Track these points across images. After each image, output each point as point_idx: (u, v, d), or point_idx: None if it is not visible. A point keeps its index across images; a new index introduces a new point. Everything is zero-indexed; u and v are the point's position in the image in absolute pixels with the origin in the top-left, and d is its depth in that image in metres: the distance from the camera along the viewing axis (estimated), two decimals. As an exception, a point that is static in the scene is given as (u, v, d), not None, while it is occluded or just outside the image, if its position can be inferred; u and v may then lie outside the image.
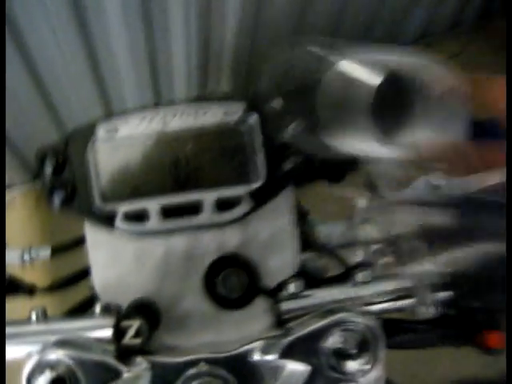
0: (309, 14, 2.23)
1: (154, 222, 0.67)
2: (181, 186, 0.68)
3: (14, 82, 1.89)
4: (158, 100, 2.29)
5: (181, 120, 0.67)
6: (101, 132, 0.67)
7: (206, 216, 0.68)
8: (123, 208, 0.67)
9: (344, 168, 2.45)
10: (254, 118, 0.67)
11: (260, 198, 0.68)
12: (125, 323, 0.64)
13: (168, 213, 0.67)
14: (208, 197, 0.67)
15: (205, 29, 1.98)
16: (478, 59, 2.87)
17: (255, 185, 0.68)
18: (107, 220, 0.67)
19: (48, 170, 0.67)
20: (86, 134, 0.67)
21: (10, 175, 2.45)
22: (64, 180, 0.67)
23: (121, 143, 0.67)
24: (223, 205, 0.68)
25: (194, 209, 0.67)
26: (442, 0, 2.70)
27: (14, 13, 1.62)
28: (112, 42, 1.83)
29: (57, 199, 0.67)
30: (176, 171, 0.67)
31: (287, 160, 0.68)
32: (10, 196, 2.55)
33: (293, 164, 0.68)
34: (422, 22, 2.82)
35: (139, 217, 0.67)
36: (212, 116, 0.67)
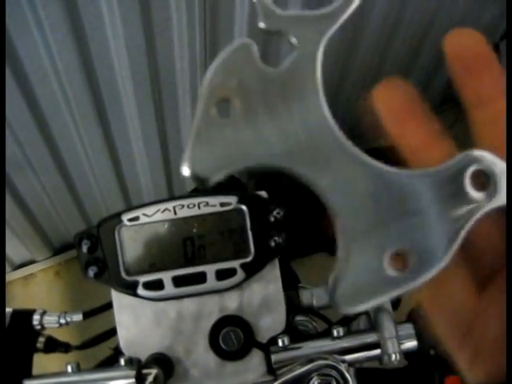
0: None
1: (167, 289, 0.84)
2: (189, 260, 0.85)
3: (46, 177, 2.08)
4: (170, 183, 2.45)
5: (187, 210, 0.84)
6: (125, 219, 0.84)
7: (209, 284, 0.85)
8: (143, 279, 0.84)
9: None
10: (244, 207, 0.85)
11: (251, 269, 0.85)
12: (145, 371, 0.80)
13: (179, 282, 0.84)
14: (210, 269, 0.84)
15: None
16: (470, 132, 2.98)
17: (247, 259, 0.85)
18: (130, 288, 0.84)
19: (84, 249, 0.84)
20: (114, 220, 0.85)
21: (32, 252, 2.58)
22: (96, 257, 0.84)
23: (141, 228, 0.85)
24: (223, 275, 0.84)
25: (199, 278, 0.84)
26: (432, 75, 2.81)
27: (44, 118, 1.82)
28: (131, 139, 2.03)
29: (91, 272, 0.84)
30: (185, 249, 0.85)
31: (271, 239, 0.85)
32: (31, 271, 2.68)
33: (278, 241, 0.84)
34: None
35: (156, 286, 0.84)
36: (211, 206, 0.85)
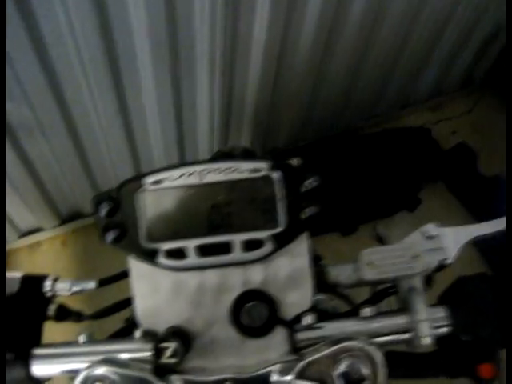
0: (326, 71, 2.32)
1: (190, 259, 0.79)
2: (214, 229, 0.80)
3: (57, 142, 2.04)
4: (182, 153, 2.39)
5: (214, 175, 0.79)
6: (148, 183, 0.79)
7: (235, 255, 0.79)
8: (165, 246, 0.79)
9: (355, 221, 2.54)
10: (277, 174, 0.79)
11: (281, 241, 0.80)
12: (163, 345, 0.75)
13: (203, 251, 0.79)
14: (237, 239, 0.79)
15: (228, 87, 2.09)
16: (489, 117, 2.98)
17: (277, 230, 0.80)
18: (150, 256, 0.79)
19: (103, 212, 0.79)
20: (135, 183, 0.79)
21: (39, 219, 2.54)
22: (116, 222, 0.79)
23: (164, 193, 0.79)
24: (249, 246, 0.79)
25: (224, 248, 0.79)
26: (451, 61, 2.76)
27: (58, 81, 1.77)
28: (142, 91, 1.95)
29: (109, 237, 0.79)
30: (210, 217, 0.79)
31: (305, 209, 0.79)
32: (37, 240, 2.65)
33: (309, 213, 0.79)
34: (432, 83, 2.89)
35: (178, 254, 0.79)
36: (240, 173, 0.79)
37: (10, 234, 2.51)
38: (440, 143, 2.79)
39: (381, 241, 2.37)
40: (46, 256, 2.61)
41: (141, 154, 2.33)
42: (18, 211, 2.39)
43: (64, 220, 2.63)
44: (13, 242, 2.59)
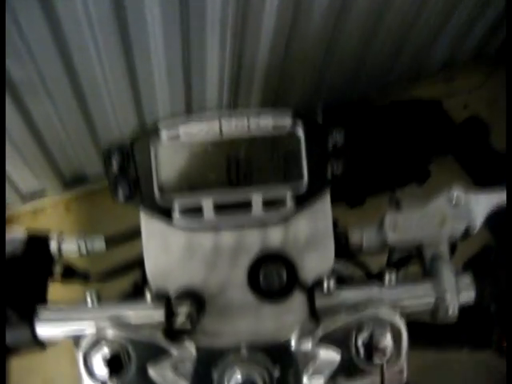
0: (339, 37, 2.26)
1: (207, 216, 0.74)
2: (233, 186, 0.75)
3: (62, 103, 1.98)
4: (189, 109, 2.32)
5: (235, 130, 0.74)
6: (164, 136, 0.74)
7: (254, 214, 0.75)
8: (180, 203, 0.74)
9: (363, 193, 2.48)
10: (301, 129, 0.75)
11: (302, 202, 0.75)
12: (176, 307, 0.71)
13: (220, 209, 0.74)
14: (257, 197, 0.74)
15: (238, 50, 2.03)
16: (502, 91, 2.88)
17: (299, 189, 0.75)
18: (164, 213, 0.75)
19: (114, 166, 0.74)
20: (151, 137, 0.75)
21: (43, 184, 2.50)
22: (128, 176, 0.75)
23: (181, 148, 0.74)
24: (269, 205, 0.75)
25: (244, 207, 0.75)
26: (466, 31, 2.70)
27: (65, 38, 1.71)
28: (151, 51, 1.89)
29: (121, 192, 0.74)
30: (229, 172, 0.75)
31: (328, 169, 0.75)
32: (41, 205, 2.62)
33: (334, 171, 0.74)
34: (446, 53, 2.83)
35: (194, 211, 0.74)
36: (263, 128, 0.74)
37: (12, 198, 2.47)
38: (451, 116, 2.74)
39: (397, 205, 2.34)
40: (49, 221, 2.57)
41: (147, 118, 2.26)
42: (21, 175, 2.35)
43: (68, 185, 2.59)
44: (16, 207, 2.55)
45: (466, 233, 0.82)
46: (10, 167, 2.20)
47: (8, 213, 2.51)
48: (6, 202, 2.44)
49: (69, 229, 2.54)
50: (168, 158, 0.74)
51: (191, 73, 2.07)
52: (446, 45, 2.77)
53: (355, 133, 2.47)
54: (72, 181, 2.58)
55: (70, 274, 0.88)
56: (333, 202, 0.77)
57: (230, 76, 2.16)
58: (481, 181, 2.66)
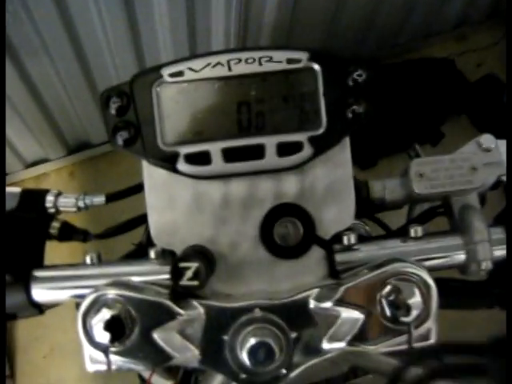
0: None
1: (215, 164, 0.67)
2: (244, 130, 0.67)
3: (57, 50, 1.89)
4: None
5: (245, 66, 0.66)
6: (166, 74, 0.67)
7: (268, 161, 0.67)
8: (185, 150, 0.67)
9: (375, 155, 2.43)
10: (317, 66, 0.67)
11: (320, 146, 0.67)
12: (183, 264, 0.64)
13: (230, 156, 0.67)
14: (270, 141, 0.67)
15: (245, 7, 1.96)
16: None
17: (316, 132, 0.67)
18: (168, 162, 0.67)
19: (112, 110, 0.67)
20: (151, 75, 0.67)
21: (46, 150, 2.46)
22: (127, 121, 0.67)
23: (185, 87, 0.67)
24: (284, 150, 0.67)
25: (255, 153, 0.67)
26: None
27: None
28: (153, 5, 1.82)
29: (120, 139, 0.67)
30: (239, 115, 0.67)
31: (349, 108, 0.67)
32: (44, 171, 2.56)
33: (355, 111, 0.67)
34: (459, 11, 2.76)
35: (201, 159, 0.67)
36: (276, 63, 0.66)
37: (14, 164, 2.44)
38: (465, 75, 2.66)
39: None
40: (53, 187, 2.50)
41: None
42: (23, 140, 2.31)
43: (71, 150, 2.55)
44: (18, 173, 2.51)
45: (498, 182, 0.76)
46: (11, 133, 2.16)
47: (11, 180, 2.46)
48: (9, 169, 2.39)
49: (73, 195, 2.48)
50: (171, 100, 0.67)
51: (196, 29, 2.00)
52: (457, 4, 2.70)
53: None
54: (75, 146, 2.54)
55: (69, 232, 0.82)
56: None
57: (236, 35, 2.09)
58: (497, 136, 2.59)
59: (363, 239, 0.73)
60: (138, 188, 0.75)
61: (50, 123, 2.25)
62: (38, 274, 0.74)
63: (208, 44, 2.08)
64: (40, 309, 0.75)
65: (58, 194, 0.81)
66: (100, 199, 0.81)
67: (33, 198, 0.80)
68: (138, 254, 0.84)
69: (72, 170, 2.55)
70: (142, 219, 0.74)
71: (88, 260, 0.74)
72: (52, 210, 0.80)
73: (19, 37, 1.72)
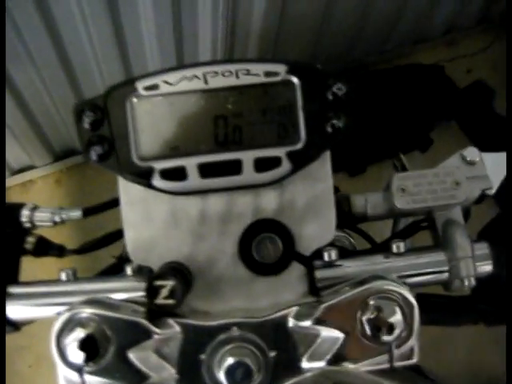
0: (338, 0, 2.20)
1: (191, 180, 0.65)
2: (221, 145, 0.65)
3: (41, 57, 1.87)
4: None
5: (222, 79, 0.64)
6: (140, 88, 0.65)
7: (245, 176, 0.65)
8: (160, 165, 0.65)
9: (364, 161, 2.42)
10: (296, 79, 0.65)
11: (299, 161, 0.66)
12: (158, 283, 0.62)
13: (206, 172, 0.65)
14: (247, 156, 0.65)
15: (232, 15, 1.95)
16: (505, 55, 2.82)
17: (295, 146, 0.65)
18: (143, 177, 0.65)
19: (86, 123, 0.65)
20: (125, 88, 0.65)
21: (32, 157, 2.44)
22: (101, 135, 0.65)
23: (161, 100, 0.65)
24: (262, 165, 0.65)
25: (233, 168, 0.65)
26: None
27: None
28: (139, 12, 1.81)
29: (93, 154, 0.65)
30: (215, 130, 0.65)
31: (328, 122, 0.66)
32: (30, 178, 2.54)
33: (335, 126, 0.66)
34: (448, 17, 2.75)
35: (177, 175, 0.65)
36: (253, 76, 0.64)
37: (1, 172, 2.41)
38: (454, 81, 2.66)
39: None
40: (39, 195, 2.52)
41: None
42: (9, 147, 2.29)
43: (58, 157, 2.53)
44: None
45: (482, 196, 0.74)
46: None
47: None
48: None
49: (60, 202, 2.48)
50: (146, 114, 0.65)
51: (183, 34, 1.99)
52: (447, 9, 2.69)
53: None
54: (62, 153, 2.52)
55: (44, 247, 0.80)
56: (333, 171, 0.70)
57: (223, 43, 2.08)
58: (485, 148, 2.58)
59: (345, 254, 0.72)
60: (115, 202, 0.73)
61: (36, 130, 2.24)
62: (13, 290, 0.72)
63: (195, 50, 2.06)
64: (15, 326, 0.73)
65: (34, 208, 0.78)
66: (76, 213, 0.79)
67: (8, 211, 0.78)
68: (117, 267, 0.82)
69: (59, 176, 2.53)
70: (120, 234, 0.73)
71: (63, 276, 0.72)
72: (28, 225, 0.78)
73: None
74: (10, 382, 2.22)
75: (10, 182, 2.49)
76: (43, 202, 0.81)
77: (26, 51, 1.76)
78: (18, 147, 2.29)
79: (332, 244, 0.72)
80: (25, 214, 0.77)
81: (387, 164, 2.45)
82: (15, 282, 0.75)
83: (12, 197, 2.48)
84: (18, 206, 0.78)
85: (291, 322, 0.65)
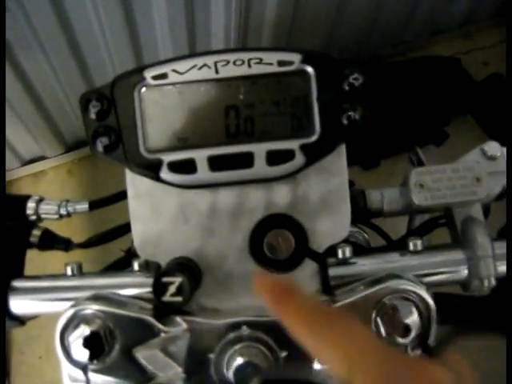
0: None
1: (201, 173, 0.63)
2: (232, 136, 0.63)
3: (52, 46, 1.86)
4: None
5: (233, 68, 0.62)
6: (149, 77, 0.62)
7: (257, 169, 0.63)
8: (169, 158, 0.63)
9: (378, 155, 2.39)
10: (311, 69, 0.63)
11: (313, 154, 0.63)
12: (166, 279, 0.60)
13: (216, 165, 0.63)
14: (259, 149, 0.63)
15: (246, 5, 1.92)
16: None
17: (309, 139, 0.63)
18: (151, 170, 0.63)
19: (92, 114, 0.63)
20: (133, 77, 0.63)
21: (43, 147, 2.43)
22: (108, 126, 0.63)
23: (169, 90, 0.63)
24: (274, 158, 0.63)
25: (243, 161, 0.63)
26: None
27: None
28: (151, 2, 1.78)
29: (100, 145, 0.63)
30: (226, 121, 0.63)
31: (344, 114, 0.63)
32: (41, 168, 2.53)
33: (351, 117, 0.63)
34: (465, 9, 2.71)
35: (186, 167, 0.63)
36: (266, 65, 0.62)
37: (11, 161, 2.42)
38: (470, 74, 2.63)
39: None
40: (50, 185, 2.51)
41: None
42: (20, 138, 2.28)
43: (69, 148, 2.52)
44: (15, 171, 2.48)
45: (503, 193, 0.72)
46: (8, 131, 2.14)
47: (8, 178, 2.44)
48: (6, 166, 2.37)
49: (71, 192, 2.47)
50: (154, 104, 0.63)
51: (195, 24, 1.96)
52: (465, 1, 2.65)
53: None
54: (73, 144, 2.51)
55: (50, 240, 0.78)
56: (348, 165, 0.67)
57: (236, 34, 2.06)
58: (501, 141, 2.55)
59: (359, 251, 0.70)
60: (123, 195, 0.71)
61: (47, 121, 2.22)
62: (18, 284, 0.71)
63: (208, 40, 2.04)
64: (20, 320, 0.72)
65: (40, 201, 0.77)
66: (83, 206, 0.77)
67: (13, 204, 0.76)
68: (124, 262, 0.81)
69: (70, 167, 2.52)
70: (128, 228, 0.71)
71: (69, 271, 0.71)
72: (33, 217, 0.76)
73: (14, 33, 1.68)
74: (19, 373, 2.22)
75: (21, 172, 2.49)
76: (54, 193, 0.80)
77: (36, 40, 1.75)
78: (29, 137, 2.28)
79: (346, 240, 0.69)
80: (30, 206, 0.76)
81: (401, 157, 2.43)
82: (20, 275, 0.73)
83: (23, 187, 2.47)
84: (24, 198, 0.77)
85: (303, 321, 0.63)
